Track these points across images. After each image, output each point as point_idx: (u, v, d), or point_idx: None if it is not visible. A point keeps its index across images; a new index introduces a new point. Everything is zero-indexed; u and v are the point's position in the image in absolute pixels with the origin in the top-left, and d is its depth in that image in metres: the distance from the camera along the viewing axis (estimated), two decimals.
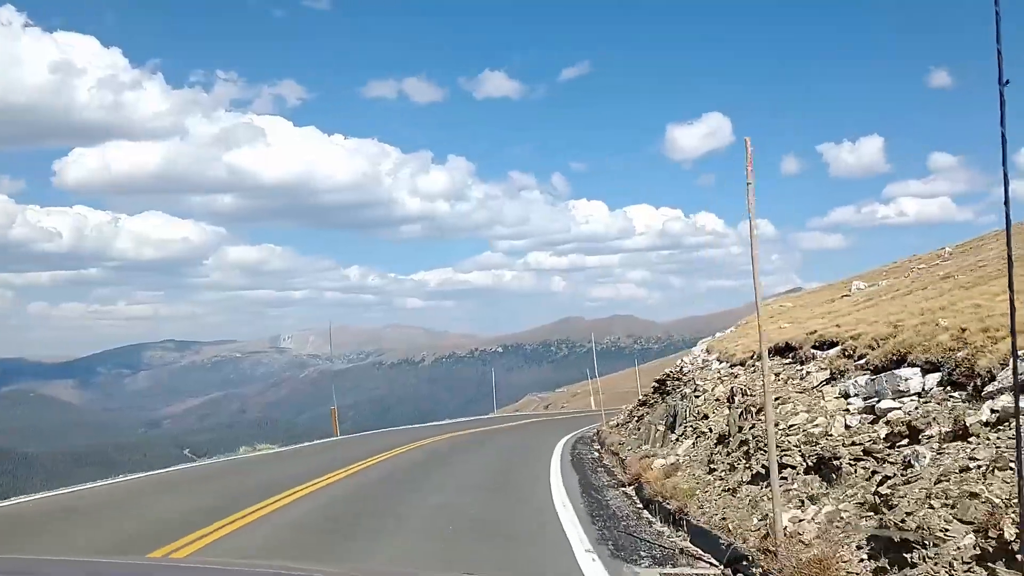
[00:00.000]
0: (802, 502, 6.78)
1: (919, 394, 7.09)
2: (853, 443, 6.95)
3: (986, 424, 5.67)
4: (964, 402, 6.43)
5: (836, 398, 8.35)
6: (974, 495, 4.70)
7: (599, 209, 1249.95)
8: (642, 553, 7.25)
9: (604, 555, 7.14)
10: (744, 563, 6.24)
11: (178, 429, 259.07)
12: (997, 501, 4.53)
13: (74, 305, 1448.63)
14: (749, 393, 11.69)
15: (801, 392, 9.64)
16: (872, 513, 5.67)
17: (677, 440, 13.08)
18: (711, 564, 6.74)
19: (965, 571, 4.34)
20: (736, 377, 14.06)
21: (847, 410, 7.82)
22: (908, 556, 4.74)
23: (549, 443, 20.41)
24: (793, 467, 7.33)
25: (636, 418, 19.92)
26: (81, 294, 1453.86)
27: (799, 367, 11.08)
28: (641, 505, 10.05)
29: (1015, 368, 3.80)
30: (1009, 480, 4.60)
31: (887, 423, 6.89)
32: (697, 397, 14.06)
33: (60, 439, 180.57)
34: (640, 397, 22.26)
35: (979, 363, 6.58)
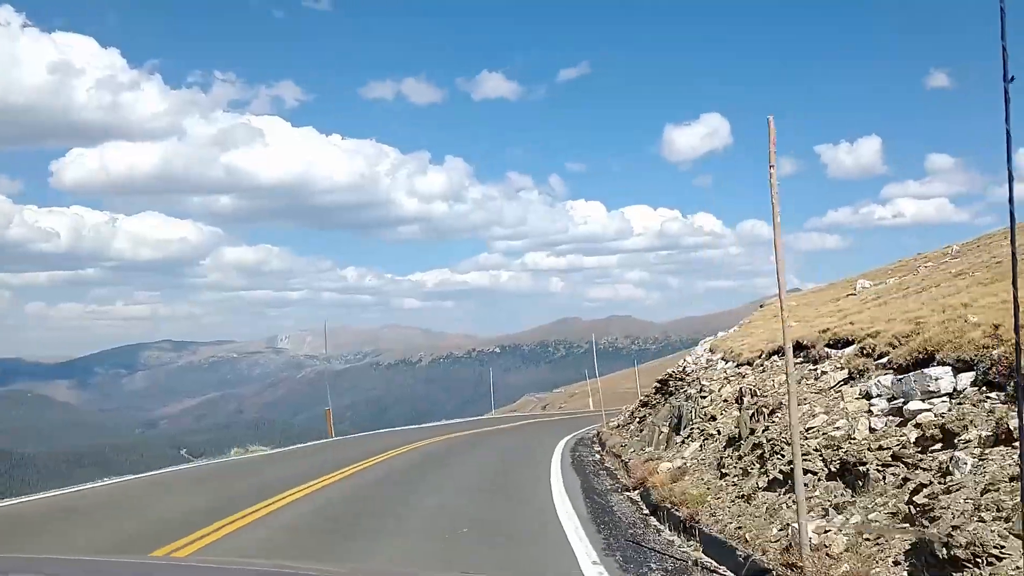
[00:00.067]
0: (826, 511, 6.28)
1: (950, 395, 6.59)
2: (880, 447, 6.45)
3: None
4: (1003, 403, 5.94)
5: (857, 399, 7.86)
6: None
7: (597, 210, 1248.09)
8: (652, 565, 6.74)
9: (612, 568, 6.64)
10: None
11: (175, 429, 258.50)
12: None
13: (71, 305, 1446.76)
14: (760, 394, 11.21)
15: (817, 393, 9.14)
16: (908, 525, 5.17)
17: (683, 442, 12.60)
18: None
19: None
20: (744, 377, 13.59)
21: (870, 412, 7.32)
22: (957, 575, 4.24)
23: (548, 444, 20.05)
24: (814, 473, 6.83)
25: (638, 419, 19.45)
26: (79, 294, 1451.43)
27: (812, 366, 10.59)
28: (648, 511, 9.54)
29: (1018, 368, 3.66)
30: None
31: (917, 426, 6.39)
32: (703, 398, 13.58)
33: (57, 439, 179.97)
34: (641, 398, 21.80)
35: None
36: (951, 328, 7.52)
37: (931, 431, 6.02)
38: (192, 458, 35.71)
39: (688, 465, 10.74)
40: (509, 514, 9.80)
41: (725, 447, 10.09)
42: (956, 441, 5.72)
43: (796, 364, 12.03)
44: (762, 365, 13.60)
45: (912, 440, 6.22)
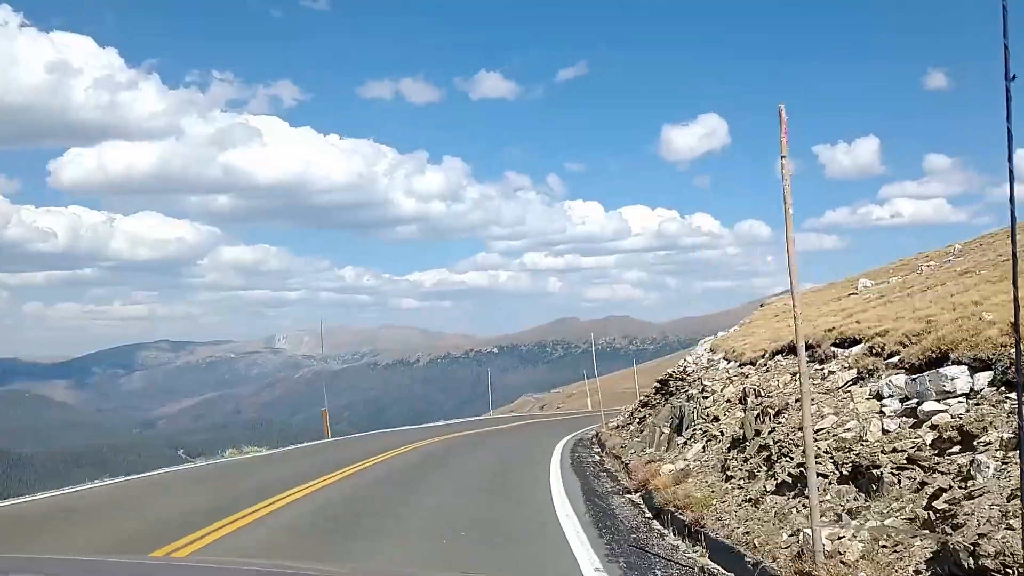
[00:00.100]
0: (839, 516, 6.02)
1: (967, 395, 6.34)
2: (894, 450, 6.20)
3: None
4: None
5: (867, 399, 7.60)
6: None
7: (595, 210, 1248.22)
8: (657, 572, 6.49)
9: (616, 575, 6.40)
10: None
11: (173, 430, 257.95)
12: None
13: (69, 305, 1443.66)
14: (764, 394, 10.97)
15: (825, 393, 8.89)
16: (927, 532, 4.92)
17: (685, 444, 12.35)
18: None
19: None
20: (747, 377, 13.34)
21: (882, 412, 7.07)
22: None
23: (547, 445, 19.89)
24: (825, 476, 6.57)
25: (637, 420, 19.22)
26: (76, 294, 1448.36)
27: (819, 366, 10.34)
28: (651, 515, 9.28)
29: (1019, 369, 3.68)
30: None
31: (933, 427, 6.14)
32: (705, 398, 13.34)
33: (55, 439, 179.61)
34: (640, 398, 21.56)
35: None
36: (965, 326, 7.27)
37: (948, 433, 5.77)
38: (190, 458, 35.48)
39: (691, 467, 10.50)
40: (508, 514, 9.70)
41: (729, 449, 9.84)
42: (975, 444, 5.47)
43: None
44: (766, 365, 13.36)
45: (928, 442, 5.97)
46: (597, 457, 16.80)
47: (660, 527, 8.44)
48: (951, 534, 4.49)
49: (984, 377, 6.38)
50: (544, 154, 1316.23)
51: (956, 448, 5.62)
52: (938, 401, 6.46)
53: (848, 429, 7.13)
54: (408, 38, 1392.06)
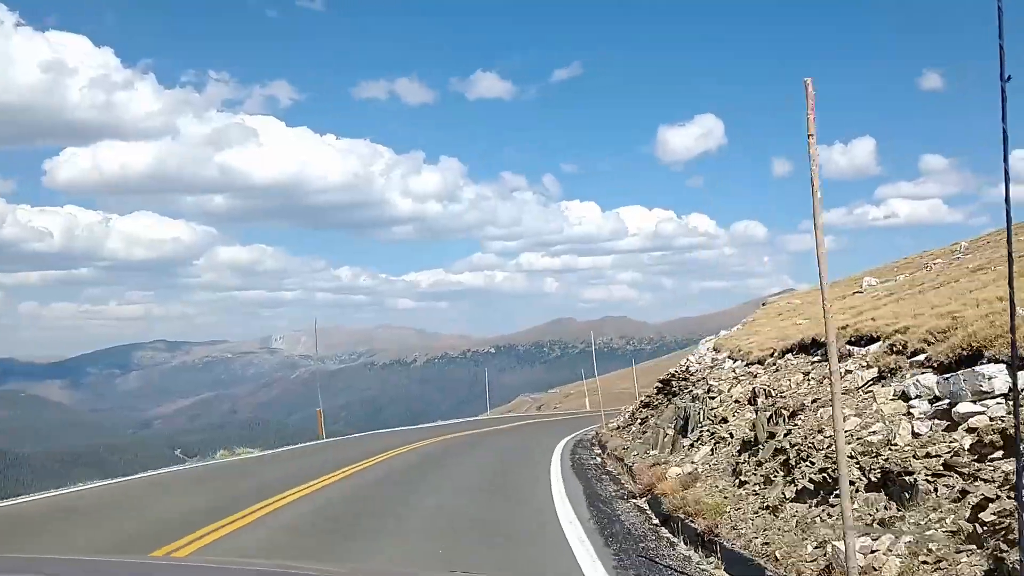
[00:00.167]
0: (869, 527, 5.56)
1: (1006, 395, 5.88)
2: (928, 455, 5.73)
3: None
4: None
5: (892, 400, 7.13)
6: None
7: (591, 210, 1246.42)
8: None
9: None
10: None
11: (169, 430, 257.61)
12: None
13: (65, 305, 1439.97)
14: (776, 394, 10.51)
15: (844, 393, 8.41)
16: (975, 546, 4.46)
17: (691, 446, 11.89)
18: None
19: None
20: (756, 377, 12.89)
21: (910, 414, 6.60)
22: None
23: (546, 446, 19.53)
24: (852, 482, 6.09)
25: (639, 420, 18.74)
26: (72, 294, 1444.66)
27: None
28: (658, 521, 8.80)
29: (1014, 369, 3.64)
30: None
31: (970, 431, 5.67)
32: (712, 398, 12.87)
33: (51, 440, 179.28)
34: (641, 398, 21.11)
35: None
36: (998, 322, 6.81)
37: (990, 437, 5.31)
38: (187, 458, 35.15)
39: (699, 471, 10.03)
40: (508, 515, 9.63)
41: (740, 451, 9.38)
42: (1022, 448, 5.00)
43: (814, 363, 11.35)
44: (775, 364, 12.90)
45: (966, 447, 5.50)
46: (599, 459, 16.34)
47: (669, 535, 7.95)
48: (1007, 550, 4.03)
49: None
50: (540, 154, 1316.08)
51: (999, 453, 5.15)
52: (974, 402, 5.99)
53: (873, 432, 6.66)
54: (404, 38, 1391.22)
